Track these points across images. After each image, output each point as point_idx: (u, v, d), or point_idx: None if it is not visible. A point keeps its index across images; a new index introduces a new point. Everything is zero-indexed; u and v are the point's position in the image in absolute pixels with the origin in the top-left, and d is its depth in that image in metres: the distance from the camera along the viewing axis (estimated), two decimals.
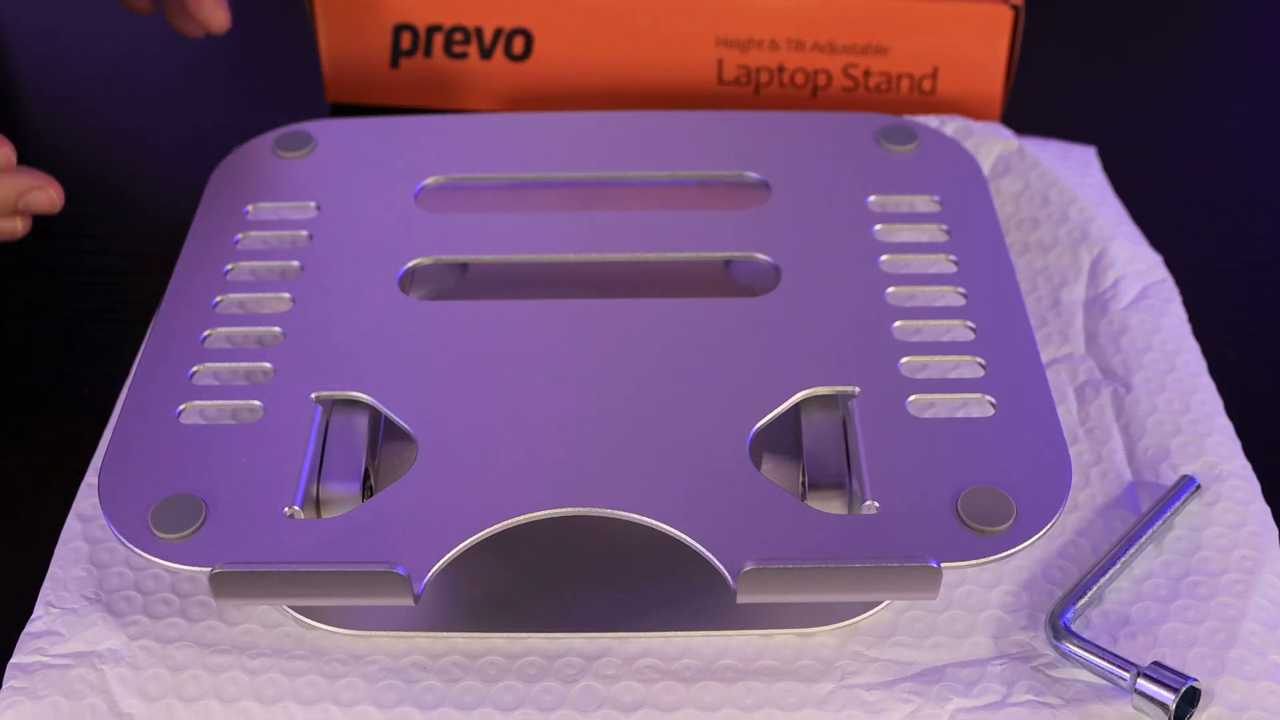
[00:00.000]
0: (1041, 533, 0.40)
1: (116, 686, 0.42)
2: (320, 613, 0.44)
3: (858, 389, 0.44)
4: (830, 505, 0.43)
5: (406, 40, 0.65)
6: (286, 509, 0.41)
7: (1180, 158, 0.65)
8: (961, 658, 0.43)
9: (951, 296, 0.48)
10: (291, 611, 0.44)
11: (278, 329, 0.46)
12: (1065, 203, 0.57)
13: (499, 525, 0.40)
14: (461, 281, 0.52)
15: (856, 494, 0.42)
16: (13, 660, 0.43)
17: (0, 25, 0.63)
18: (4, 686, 0.42)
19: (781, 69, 0.64)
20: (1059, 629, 0.43)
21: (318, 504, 0.43)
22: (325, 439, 0.44)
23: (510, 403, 0.44)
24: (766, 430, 0.43)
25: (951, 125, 0.60)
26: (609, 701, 0.42)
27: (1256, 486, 0.47)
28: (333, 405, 0.45)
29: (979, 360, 0.45)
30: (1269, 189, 0.63)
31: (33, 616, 0.44)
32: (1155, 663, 0.41)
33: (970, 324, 0.46)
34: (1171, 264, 0.56)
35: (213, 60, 0.59)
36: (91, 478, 0.48)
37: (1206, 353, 0.52)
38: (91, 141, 0.63)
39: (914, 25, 0.62)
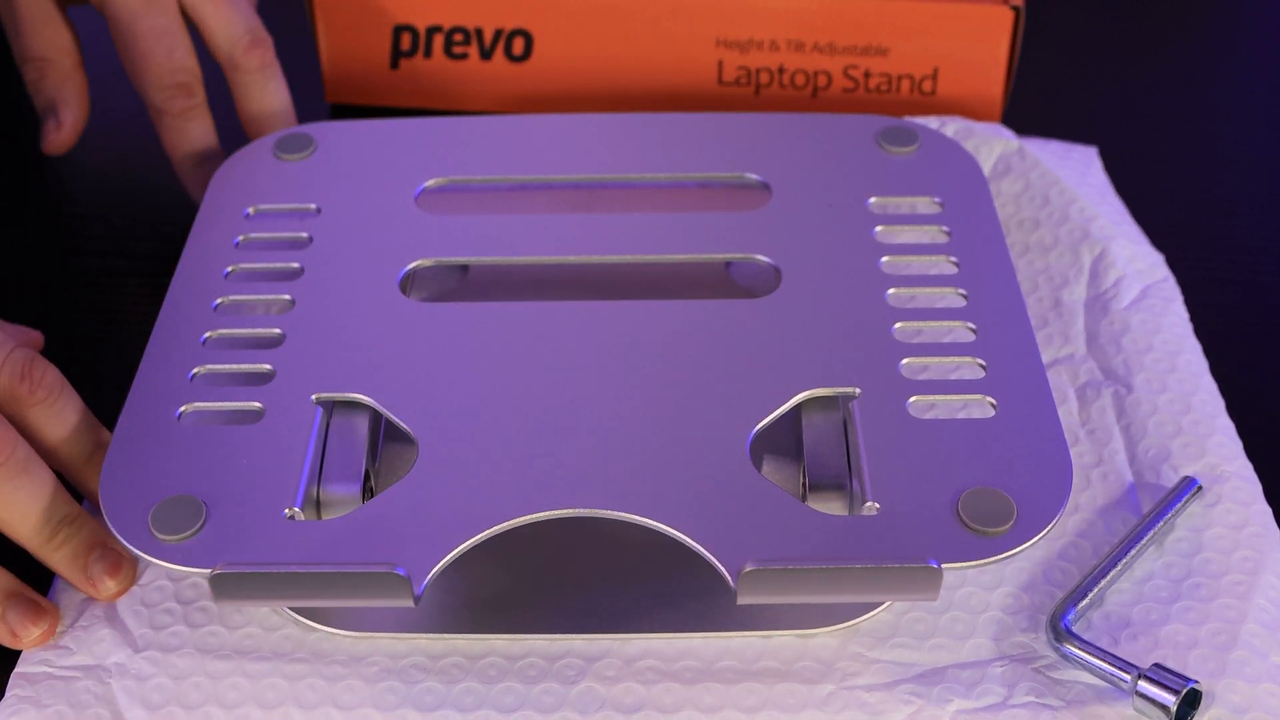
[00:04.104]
0: (1042, 534, 0.40)
1: (121, 696, 0.42)
2: (320, 614, 0.44)
3: (858, 390, 0.44)
4: (831, 506, 0.43)
5: (406, 41, 0.65)
6: (287, 510, 0.41)
7: (1182, 157, 0.65)
8: (962, 659, 0.43)
9: (952, 298, 0.48)
10: (291, 613, 0.44)
11: (278, 330, 0.46)
12: (1066, 203, 0.57)
13: (499, 526, 0.40)
14: (462, 283, 0.52)
15: (857, 495, 0.42)
16: (17, 669, 0.43)
17: (2, 28, 0.63)
18: (8, 694, 0.42)
19: (782, 70, 0.64)
20: (1060, 631, 0.43)
21: (318, 505, 0.43)
22: (325, 440, 0.44)
23: (510, 404, 0.44)
24: (767, 431, 0.43)
25: (952, 126, 0.60)
26: (609, 703, 0.42)
27: (1258, 487, 0.47)
28: (333, 407, 0.45)
29: (979, 361, 0.45)
30: (1270, 189, 0.63)
31: None
32: (1156, 665, 0.41)
33: (971, 325, 0.46)
34: (1173, 264, 0.56)
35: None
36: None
37: (1208, 353, 0.52)
38: (93, 143, 0.63)
39: (914, 26, 0.62)
